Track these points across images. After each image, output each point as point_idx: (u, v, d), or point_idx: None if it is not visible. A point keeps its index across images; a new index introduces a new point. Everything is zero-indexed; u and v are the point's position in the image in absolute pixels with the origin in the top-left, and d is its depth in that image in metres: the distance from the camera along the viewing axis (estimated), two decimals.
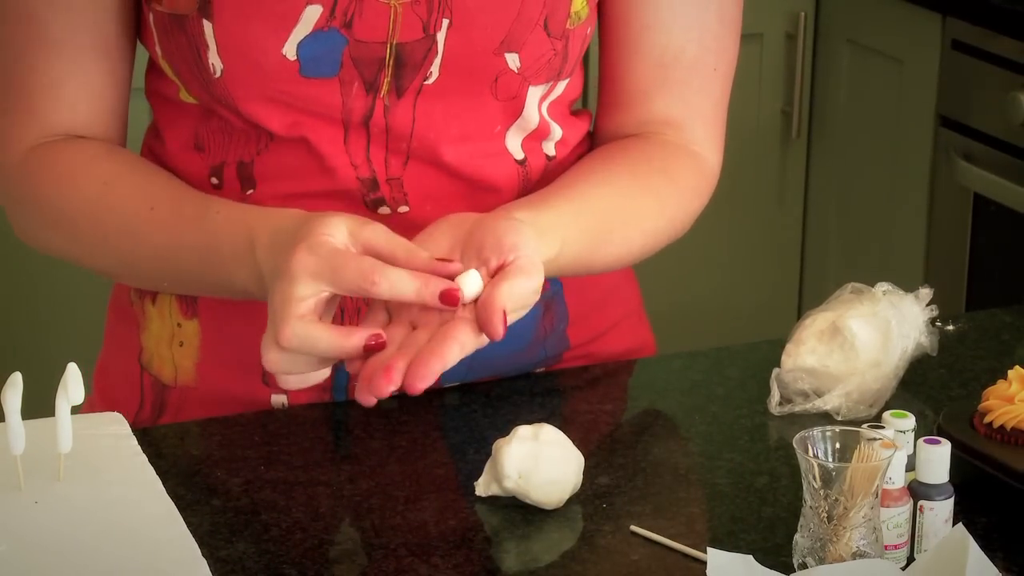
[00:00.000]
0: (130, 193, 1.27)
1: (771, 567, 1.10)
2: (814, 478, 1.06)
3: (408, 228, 1.28)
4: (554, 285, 1.36)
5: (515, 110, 1.30)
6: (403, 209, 1.29)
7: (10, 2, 1.28)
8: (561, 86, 1.33)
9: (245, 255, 1.19)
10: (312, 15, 1.23)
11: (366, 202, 1.29)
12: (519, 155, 1.32)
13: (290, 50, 1.24)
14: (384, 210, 1.29)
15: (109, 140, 1.32)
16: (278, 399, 1.33)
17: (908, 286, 1.36)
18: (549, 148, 1.34)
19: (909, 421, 1.20)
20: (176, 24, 1.25)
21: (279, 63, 1.24)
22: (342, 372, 1.31)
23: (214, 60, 1.25)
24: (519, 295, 1.12)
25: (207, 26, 1.24)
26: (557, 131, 1.34)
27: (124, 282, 1.36)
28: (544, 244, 1.18)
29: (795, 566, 1.09)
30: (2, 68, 1.30)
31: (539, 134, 1.33)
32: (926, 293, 1.34)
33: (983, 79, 2.55)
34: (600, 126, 1.38)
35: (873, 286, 1.35)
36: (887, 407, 1.29)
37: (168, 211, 1.25)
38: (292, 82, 1.25)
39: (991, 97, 2.53)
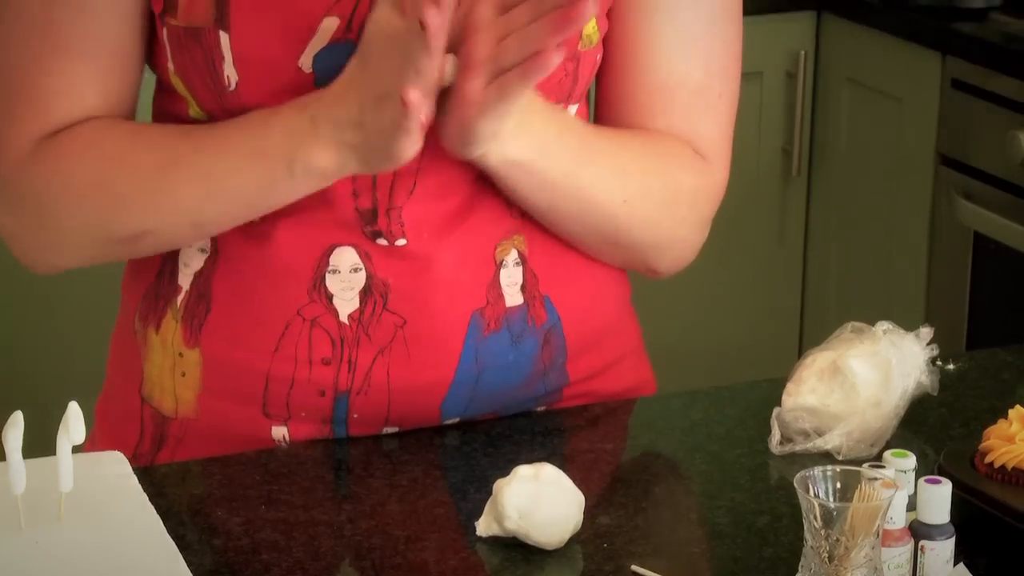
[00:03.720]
0: (159, 135, 1.29)
1: None
2: (815, 518, 1.06)
3: (406, 260, 1.29)
4: (552, 317, 1.36)
5: None
6: (401, 242, 1.30)
7: (29, 8, 1.29)
8: (571, 111, 1.34)
9: (305, 128, 1.22)
10: (329, 27, 1.24)
11: (364, 233, 1.29)
12: None
13: (306, 62, 1.25)
14: (382, 242, 1.29)
15: None
16: (279, 431, 1.33)
17: (908, 325, 1.36)
18: None
19: (910, 461, 1.20)
20: (191, 37, 1.26)
21: (295, 75, 1.25)
22: (341, 403, 1.31)
23: (229, 72, 1.26)
24: None
25: (224, 37, 1.25)
26: None
27: (162, 236, 1.31)
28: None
29: None
30: (16, 73, 1.30)
31: None
32: (926, 332, 1.34)
33: (983, 118, 2.56)
34: None
35: (873, 325, 1.35)
36: (888, 446, 1.29)
37: (205, 132, 1.27)
38: (307, 94, 1.26)
39: (991, 136, 2.54)
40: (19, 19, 1.29)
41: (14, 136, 1.31)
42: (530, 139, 1.27)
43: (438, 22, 1.14)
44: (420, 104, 1.16)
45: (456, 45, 1.19)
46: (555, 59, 1.16)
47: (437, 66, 1.17)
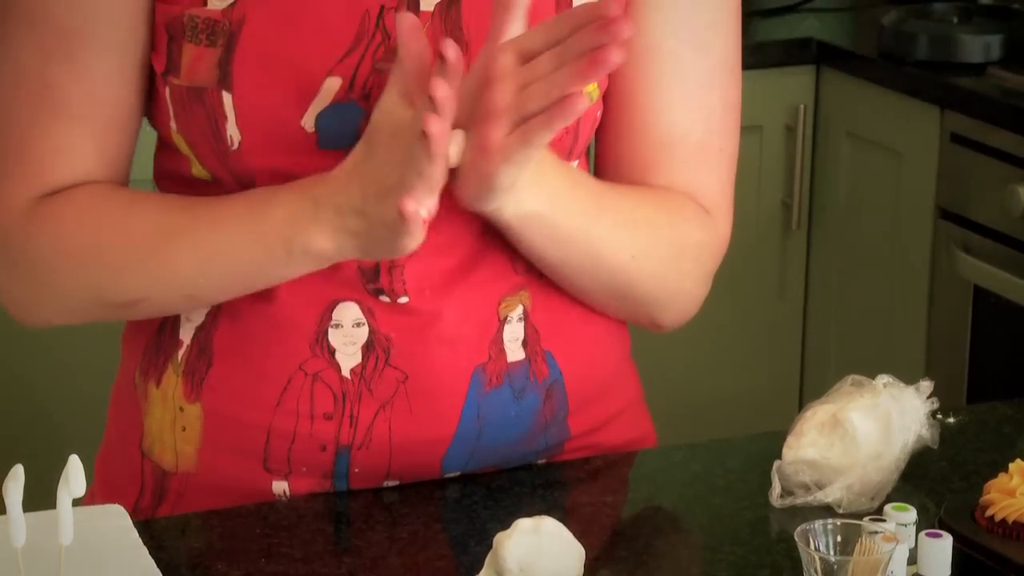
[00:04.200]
0: (158, 205, 1.29)
1: None
2: (816, 571, 1.06)
3: (408, 315, 1.29)
4: (553, 372, 1.36)
5: None
6: (403, 300, 1.30)
7: (26, 68, 1.29)
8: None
9: (307, 211, 1.22)
10: (332, 87, 1.25)
11: (367, 290, 1.30)
12: None
13: (309, 122, 1.25)
14: (384, 299, 1.30)
15: None
16: (279, 486, 1.33)
17: (909, 378, 1.36)
18: None
19: (910, 514, 1.19)
20: (194, 96, 1.27)
21: (297, 135, 1.25)
22: (342, 457, 1.31)
23: (232, 131, 1.26)
24: None
25: (226, 97, 1.25)
26: None
27: (156, 304, 1.32)
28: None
29: None
30: (10, 133, 1.30)
31: None
32: (927, 386, 1.34)
33: (982, 172, 2.56)
34: None
35: (874, 378, 1.35)
36: (888, 500, 1.29)
37: (205, 205, 1.27)
38: (309, 154, 1.26)
39: (990, 189, 2.55)
40: (16, 78, 1.30)
41: (10, 195, 1.31)
42: (545, 191, 1.27)
43: (438, 130, 1.14)
44: (418, 214, 1.16)
45: (468, 116, 1.19)
46: (581, 104, 1.15)
47: (441, 169, 1.17)
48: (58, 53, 1.28)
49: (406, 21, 1.18)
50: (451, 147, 1.17)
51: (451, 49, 1.14)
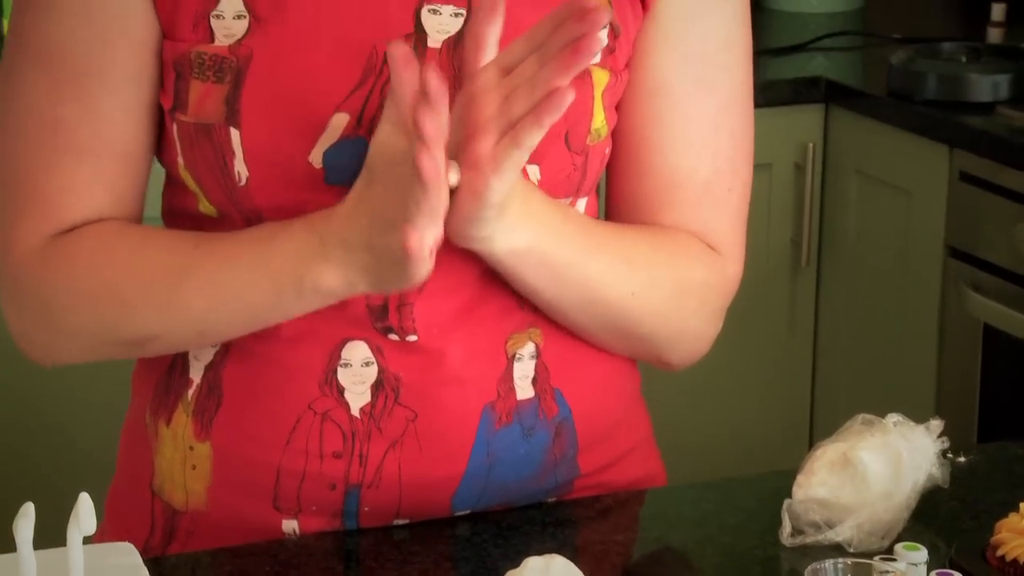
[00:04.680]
0: (168, 243, 1.29)
1: None
2: None
3: (417, 354, 1.29)
4: (563, 410, 1.36)
5: None
6: (412, 338, 1.30)
7: (37, 106, 1.29)
8: (580, 205, 1.34)
9: (314, 248, 1.22)
10: (339, 123, 1.25)
11: (376, 328, 1.30)
12: None
13: (316, 157, 1.25)
14: (393, 337, 1.30)
15: None
16: (289, 525, 1.33)
17: (919, 417, 1.36)
18: None
19: (921, 554, 1.19)
20: (202, 133, 1.27)
21: (305, 170, 1.26)
22: (352, 496, 1.31)
23: (240, 168, 1.26)
24: None
25: (234, 134, 1.26)
26: None
27: (168, 341, 1.32)
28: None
29: None
30: (21, 171, 1.31)
31: None
32: (937, 425, 1.34)
33: (991, 210, 2.56)
34: None
35: (883, 417, 1.35)
36: (899, 539, 1.28)
37: (215, 242, 1.27)
38: (317, 190, 1.26)
39: (999, 228, 2.55)
40: (27, 116, 1.30)
41: (22, 233, 1.31)
42: (534, 225, 1.27)
43: (430, 164, 1.14)
44: (421, 246, 1.16)
45: (458, 147, 1.19)
46: (568, 96, 1.15)
47: (441, 198, 1.16)
48: (67, 91, 1.29)
49: (398, 51, 1.18)
50: (450, 174, 1.18)
51: (433, 79, 1.13)
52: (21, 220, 1.31)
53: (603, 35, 1.30)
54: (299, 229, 1.24)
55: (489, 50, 1.19)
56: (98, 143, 1.30)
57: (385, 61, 1.26)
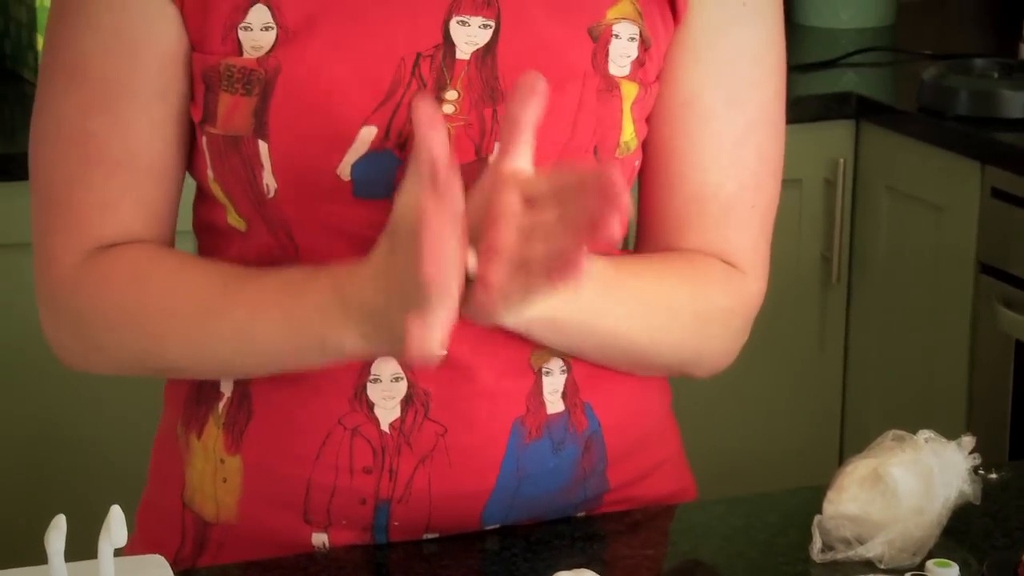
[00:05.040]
0: (200, 278, 1.29)
1: None
2: None
3: (446, 369, 1.29)
4: (592, 424, 1.36)
5: None
6: (441, 353, 1.30)
7: (69, 120, 1.30)
8: None
9: (334, 305, 1.21)
10: (367, 136, 1.25)
11: None
12: None
13: (344, 170, 1.26)
14: None
15: None
16: (319, 538, 1.33)
17: (950, 433, 1.35)
18: None
19: (953, 570, 1.19)
20: (231, 145, 1.28)
21: (333, 183, 1.26)
22: (382, 511, 1.31)
23: (268, 180, 1.27)
24: None
25: (262, 146, 1.26)
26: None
27: (195, 374, 1.34)
28: None
29: None
30: (55, 186, 1.31)
31: None
32: (968, 441, 1.33)
33: (1023, 226, 2.55)
34: None
35: (914, 433, 1.34)
36: (930, 555, 1.28)
37: (243, 286, 1.27)
38: (345, 203, 1.26)
39: None
40: (60, 131, 1.31)
41: (59, 247, 1.32)
42: (546, 301, 1.22)
43: (434, 271, 1.11)
44: (425, 336, 1.13)
45: (475, 229, 1.15)
46: (583, 269, 1.11)
47: (445, 299, 1.14)
48: (98, 105, 1.29)
49: (423, 111, 1.13)
50: (468, 261, 1.15)
51: (446, 174, 1.10)
52: (57, 234, 1.32)
53: (633, 48, 1.30)
54: (324, 286, 1.23)
55: (526, 133, 1.16)
56: (129, 157, 1.30)
57: (414, 73, 1.26)
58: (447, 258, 1.12)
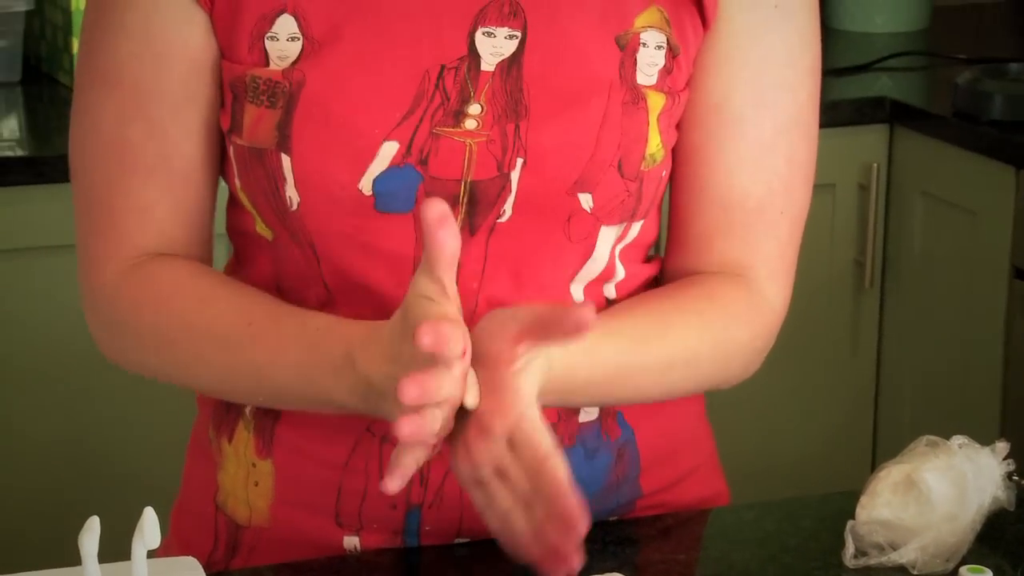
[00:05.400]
0: (227, 309, 1.29)
1: None
2: None
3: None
4: (625, 432, 1.36)
5: (586, 251, 1.31)
6: None
7: (105, 126, 1.31)
8: (635, 228, 1.33)
9: (344, 368, 1.20)
10: (388, 151, 1.25)
11: None
12: (579, 297, 1.33)
13: (366, 185, 1.26)
14: None
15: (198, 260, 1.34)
16: (350, 541, 1.33)
17: (984, 439, 1.35)
18: (609, 290, 1.35)
19: None
20: (255, 157, 1.28)
21: (355, 197, 1.26)
22: (413, 516, 1.31)
23: (291, 193, 1.27)
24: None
25: (285, 160, 1.26)
26: (621, 272, 1.35)
27: (220, 396, 1.36)
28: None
29: None
30: (94, 191, 1.33)
31: (603, 276, 1.34)
32: (1003, 447, 1.33)
33: None
34: (665, 268, 1.39)
35: (948, 438, 1.34)
36: (964, 562, 1.27)
37: (266, 326, 1.27)
38: (367, 217, 1.26)
39: None
40: (97, 136, 1.32)
41: (100, 252, 1.33)
42: (554, 391, 1.22)
43: (411, 432, 1.11)
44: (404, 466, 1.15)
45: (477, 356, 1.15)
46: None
47: (421, 454, 1.15)
48: (131, 111, 1.30)
49: (432, 212, 1.12)
50: (468, 397, 1.14)
51: (427, 337, 1.09)
52: (97, 241, 1.33)
53: (661, 56, 1.30)
54: (338, 348, 1.21)
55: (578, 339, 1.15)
56: (163, 162, 1.31)
57: (437, 86, 1.26)
58: (426, 428, 1.12)
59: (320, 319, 1.25)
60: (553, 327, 1.12)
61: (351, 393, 1.21)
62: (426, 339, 1.09)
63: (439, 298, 1.14)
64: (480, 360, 1.15)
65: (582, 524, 1.13)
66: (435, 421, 1.12)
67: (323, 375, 1.22)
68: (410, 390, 1.09)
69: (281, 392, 1.27)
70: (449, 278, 1.14)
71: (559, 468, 1.14)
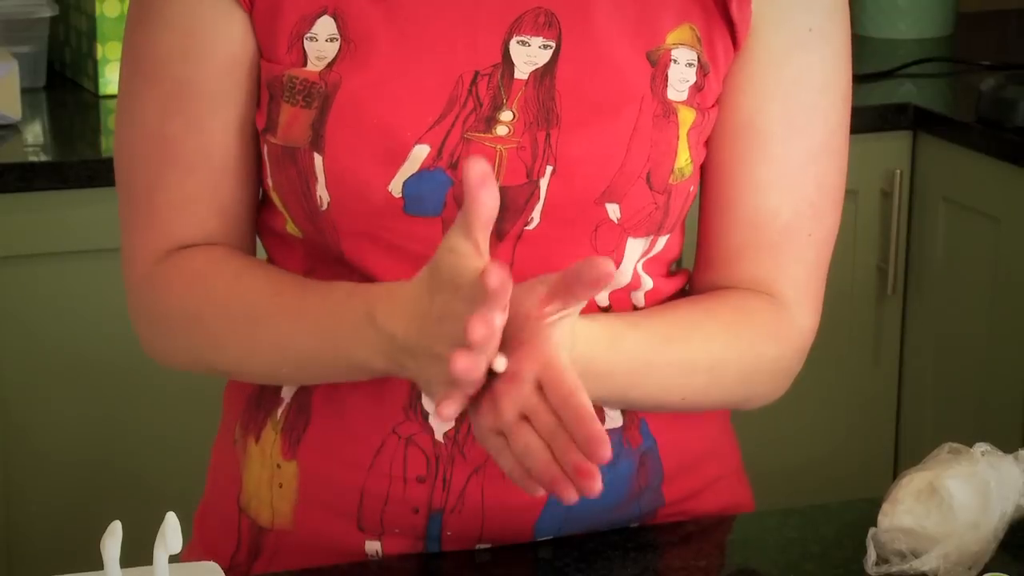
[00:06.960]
0: (258, 282, 1.30)
1: None
2: None
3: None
4: (647, 440, 1.36)
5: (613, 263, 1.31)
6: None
7: (148, 121, 1.32)
8: (661, 242, 1.33)
9: (366, 327, 1.21)
10: (419, 154, 1.26)
11: None
12: (603, 303, 1.33)
13: (396, 187, 1.26)
14: None
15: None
16: (372, 546, 1.33)
17: (1007, 446, 1.35)
18: (638, 298, 1.35)
19: None
20: (288, 156, 1.29)
21: (384, 199, 1.26)
22: (435, 521, 1.31)
23: (322, 193, 1.27)
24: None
25: (317, 159, 1.27)
26: (648, 283, 1.35)
27: (248, 377, 1.36)
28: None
29: None
30: (136, 186, 1.34)
31: (629, 287, 1.34)
32: None
33: None
34: (694, 285, 1.39)
35: (970, 446, 1.34)
36: (986, 570, 1.27)
37: (292, 296, 1.27)
38: (396, 219, 1.27)
39: None
40: (140, 131, 1.33)
41: (140, 246, 1.34)
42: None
43: (465, 365, 1.10)
44: (452, 413, 1.14)
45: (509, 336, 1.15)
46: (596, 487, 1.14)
47: (470, 390, 1.14)
48: (173, 107, 1.31)
49: (474, 171, 1.11)
50: (497, 361, 1.14)
51: (495, 277, 1.08)
52: (137, 234, 1.34)
53: (691, 73, 1.30)
54: (359, 306, 1.22)
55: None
56: (204, 158, 1.32)
57: (471, 92, 1.26)
58: (483, 362, 1.12)
59: (344, 286, 1.26)
60: (577, 280, 1.12)
61: (375, 352, 1.21)
62: (494, 278, 1.08)
63: (473, 256, 1.13)
64: (510, 323, 1.14)
65: (607, 447, 1.11)
66: (483, 364, 1.12)
67: (344, 336, 1.23)
68: (478, 328, 1.09)
69: (304, 362, 1.27)
70: (484, 238, 1.13)
71: (586, 401, 1.13)
